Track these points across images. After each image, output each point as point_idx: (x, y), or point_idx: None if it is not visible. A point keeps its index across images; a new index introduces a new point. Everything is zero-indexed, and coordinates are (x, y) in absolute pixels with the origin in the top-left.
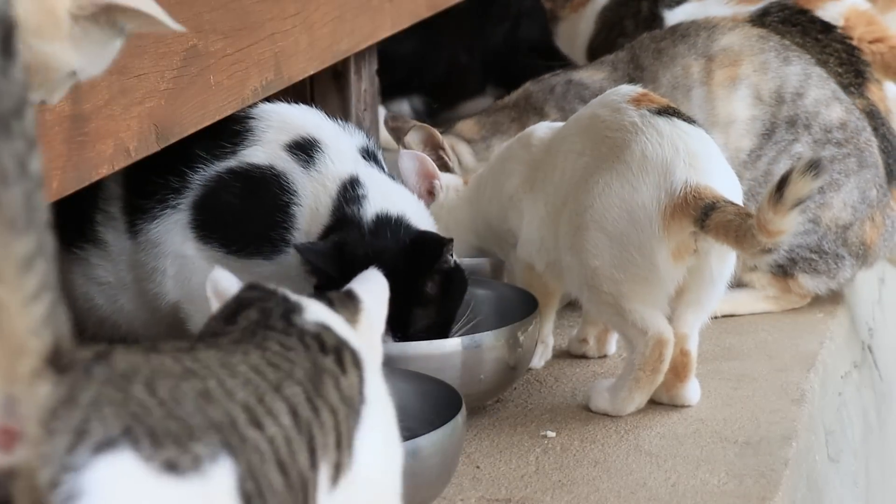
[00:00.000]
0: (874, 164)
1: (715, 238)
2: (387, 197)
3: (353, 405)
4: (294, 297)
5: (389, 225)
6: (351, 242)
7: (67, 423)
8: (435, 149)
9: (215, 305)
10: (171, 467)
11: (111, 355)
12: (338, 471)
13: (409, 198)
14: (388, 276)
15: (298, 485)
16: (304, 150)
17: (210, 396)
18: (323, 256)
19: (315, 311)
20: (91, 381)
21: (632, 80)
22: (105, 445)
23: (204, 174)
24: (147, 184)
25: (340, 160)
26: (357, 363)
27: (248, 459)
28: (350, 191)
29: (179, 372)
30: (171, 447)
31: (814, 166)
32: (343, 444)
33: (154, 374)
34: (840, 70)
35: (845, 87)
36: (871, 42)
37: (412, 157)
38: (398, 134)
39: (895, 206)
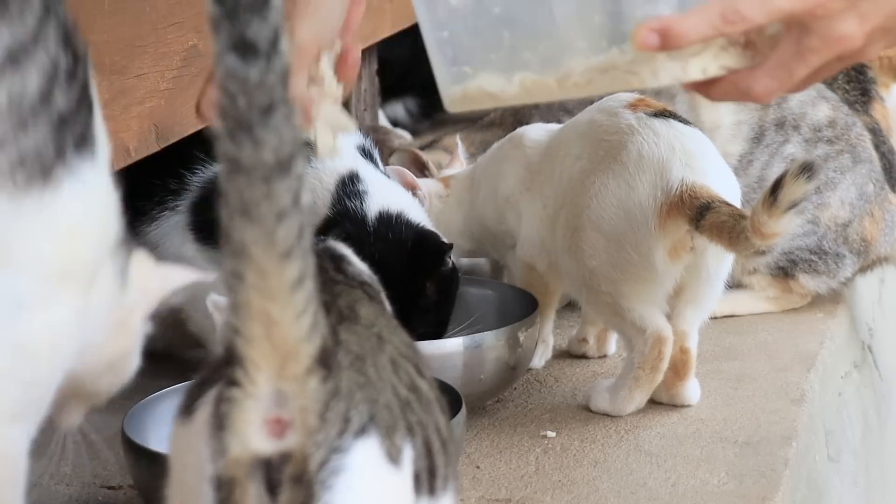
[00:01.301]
0: (868, 158)
1: (709, 238)
2: (386, 194)
3: None
4: (329, 245)
5: (391, 223)
6: (357, 242)
7: (337, 413)
8: (420, 169)
9: (218, 317)
10: (391, 457)
11: (338, 336)
12: None
13: (406, 195)
14: (391, 278)
15: (428, 446)
16: None
17: (397, 365)
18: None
19: (355, 260)
20: (342, 369)
21: None
22: (362, 431)
23: (202, 176)
24: (145, 186)
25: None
26: None
27: (415, 434)
28: (350, 185)
29: (376, 344)
30: (387, 438)
31: (807, 168)
32: None
33: (372, 351)
34: (847, 87)
35: (851, 104)
36: None
37: (391, 172)
38: (379, 147)
39: (893, 200)
